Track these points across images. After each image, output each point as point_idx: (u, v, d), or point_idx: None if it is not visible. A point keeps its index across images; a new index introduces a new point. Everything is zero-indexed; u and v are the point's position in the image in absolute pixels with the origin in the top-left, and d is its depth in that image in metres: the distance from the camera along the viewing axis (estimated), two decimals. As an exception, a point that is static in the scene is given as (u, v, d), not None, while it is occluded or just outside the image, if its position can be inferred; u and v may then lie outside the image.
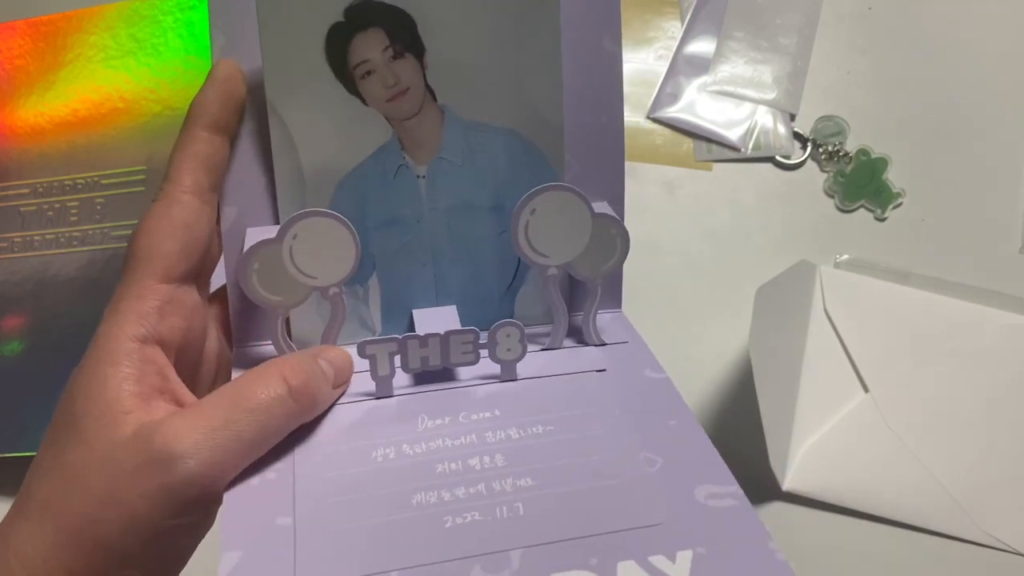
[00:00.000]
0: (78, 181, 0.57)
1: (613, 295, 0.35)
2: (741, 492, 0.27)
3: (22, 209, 0.57)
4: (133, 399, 0.26)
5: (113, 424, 0.26)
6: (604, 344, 0.34)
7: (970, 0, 0.62)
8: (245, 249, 0.30)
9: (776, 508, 0.51)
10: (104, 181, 0.57)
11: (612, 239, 0.32)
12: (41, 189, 0.57)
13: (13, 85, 0.60)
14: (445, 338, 0.30)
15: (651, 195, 0.59)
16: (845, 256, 0.56)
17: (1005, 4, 0.62)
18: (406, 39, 0.31)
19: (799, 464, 0.49)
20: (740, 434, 0.52)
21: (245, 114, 0.31)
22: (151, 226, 0.29)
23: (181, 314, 0.29)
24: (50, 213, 0.56)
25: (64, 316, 0.53)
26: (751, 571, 0.25)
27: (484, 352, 0.31)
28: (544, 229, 0.31)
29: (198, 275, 0.31)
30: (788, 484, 0.48)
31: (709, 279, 0.57)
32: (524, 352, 0.31)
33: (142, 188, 0.55)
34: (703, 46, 0.62)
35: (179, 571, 0.28)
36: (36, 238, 0.56)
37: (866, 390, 0.51)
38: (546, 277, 0.32)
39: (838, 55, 0.61)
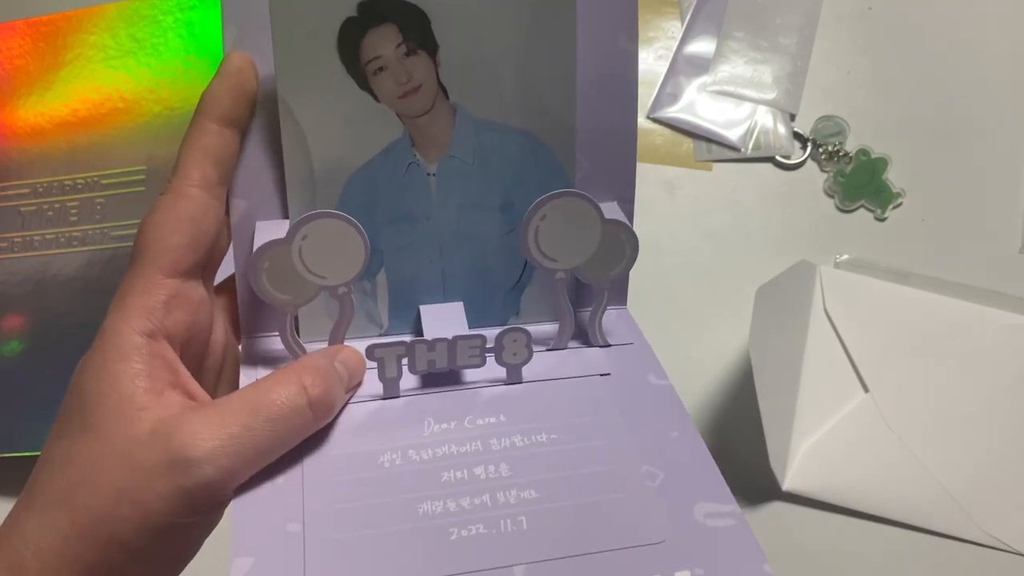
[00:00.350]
0: (78, 181, 0.57)
1: (619, 293, 0.35)
2: (739, 511, 0.27)
3: (22, 209, 0.57)
4: (147, 395, 0.27)
5: (128, 421, 0.26)
6: (609, 345, 0.34)
7: (970, 0, 0.62)
8: (255, 248, 0.30)
9: (776, 508, 0.51)
10: (104, 181, 0.57)
11: (621, 245, 0.32)
12: (41, 189, 0.57)
13: (13, 85, 0.60)
14: (452, 343, 0.30)
15: (651, 195, 0.59)
16: (845, 256, 0.56)
17: (1005, 4, 0.62)
18: (419, 36, 0.30)
19: (799, 464, 0.49)
20: (740, 434, 0.52)
21: (257, 106, 0.31)
22: (158, 220, 0.29)
23: (187, 308, 0.29)
24: (50, 213, 0.56)
25: (64, 316, 0.53)
26: None
27: (490, 355, 0.31)
28: (554, 234, 0.31)
29: (205, 268, 0.31)
30: (788, 484, 0.48)
31: (709, 279, 0.57)
32: (530, 357, 0.31)
33: (142, 188, 0.55)
34: (703, 46, 0.62)
35: (185, 564, 0.28)
36: (36, 238, 0.56)
37: (866, 390, 0.51)
38: (554, 281, 0.32)
39: (838, 55, 0.61)
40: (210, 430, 0.26)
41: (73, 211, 0.56)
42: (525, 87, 0.31)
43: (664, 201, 0.59)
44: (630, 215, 0.34)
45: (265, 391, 0.27)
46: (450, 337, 0.30)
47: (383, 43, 0.30)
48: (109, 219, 0.56)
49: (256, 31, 0.30)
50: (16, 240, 0.56)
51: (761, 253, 0.57)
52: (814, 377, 0.51)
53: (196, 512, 0.26)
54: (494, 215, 0.33)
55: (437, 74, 0.31)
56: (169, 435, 0.26)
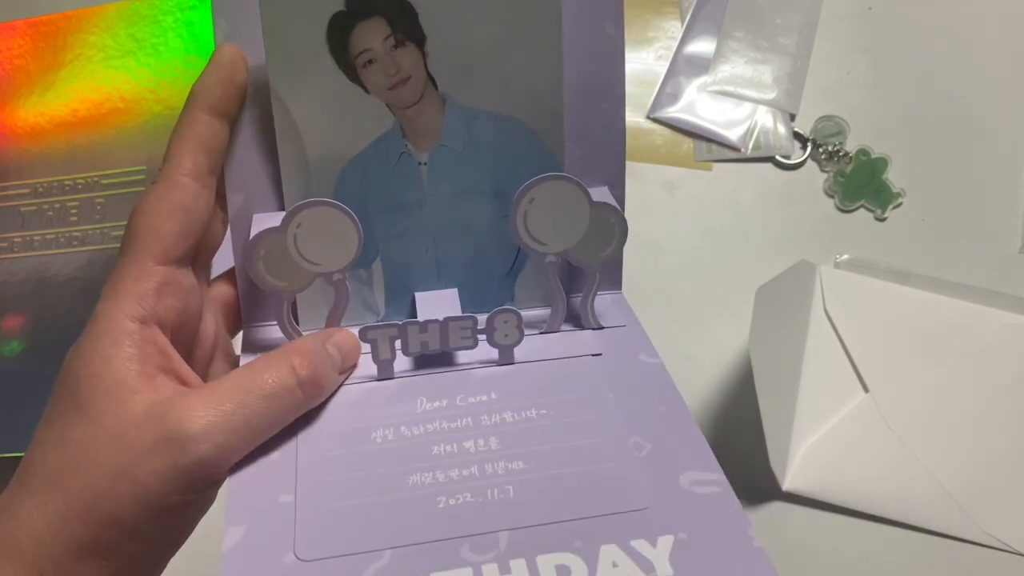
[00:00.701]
0: (78, 181, 0.57)
1: (613, 277, 0.36)
2: (724, 479, 0.27)
3: (22, 209, 0.57)
4: (139, 378, 0.27)
5: (122, 403, 0.26)
6: (602, 328, 0.34)
7: (970, 0, 0.62)
8: (251, 236, 0.30)
9: (776, 508, 0.51)
10: (104, 181, 0.57)
11: (610, 227, 0.32)
12: (41, 189, 0.57)
13: (13, 85, 0.60)
14: (444, 324, 0.31)
15: (651, 195, 0.59)
16: (845, 256, 0.56)
17: (1005, 4, 0.62)
18: (407, 28, 0.31)
19: (799, 464, 0.49)
20: (740, 434, 0.52)
21: (250, 101, 0.31)
22: (150, 207, 0.29)
23: (178, 295, 0.29)
24: (50, 213, 0.56)
25: (64, 316, 0.53)
26: (729, 558, 0.25)
27: (483, 337, 0.32)
28: (542, 218, 0.31)
29: (196, 257, 0.31)
30: (788, 484, 0.48)
31: (709, 279, 0.57)
32: (521, 337, 0.32)
33: (142, 188, 0.55)
34: (703, 46, 0.62)
35: (180, 545, 0.29)
36: (36, 238, 0.56)
37: (866, 390, 0.51)
38: (544, 264, 0.32)
39: (838, 55, 0.61)
40: (204, 408, 0.26)
41: (73, 211, 0.56)
42: (513, 75, 0.32)
43: (664, 201, 0.59)
44: (621, 200, 0.34)
45: (256, 372, 0.28)
46: (441, 319, 0.31)
47: (372, 36, 0.31)
48: (109, 219, 0.56)
49: (247, 25, 0.31)
50: (16, 240, 0.56)
51: (761, 253, 0.57)
52: (814, 377, 0.51)
53: (192, 490, 0.26)
54: (486, 202, 0.33)
55: (426, 65, 0.31)
56: (164, 415, 0.26)
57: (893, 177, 0.58)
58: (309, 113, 0.31)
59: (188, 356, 0.31)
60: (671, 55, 0.62)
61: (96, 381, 0.27)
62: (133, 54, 0.59)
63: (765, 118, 0.60)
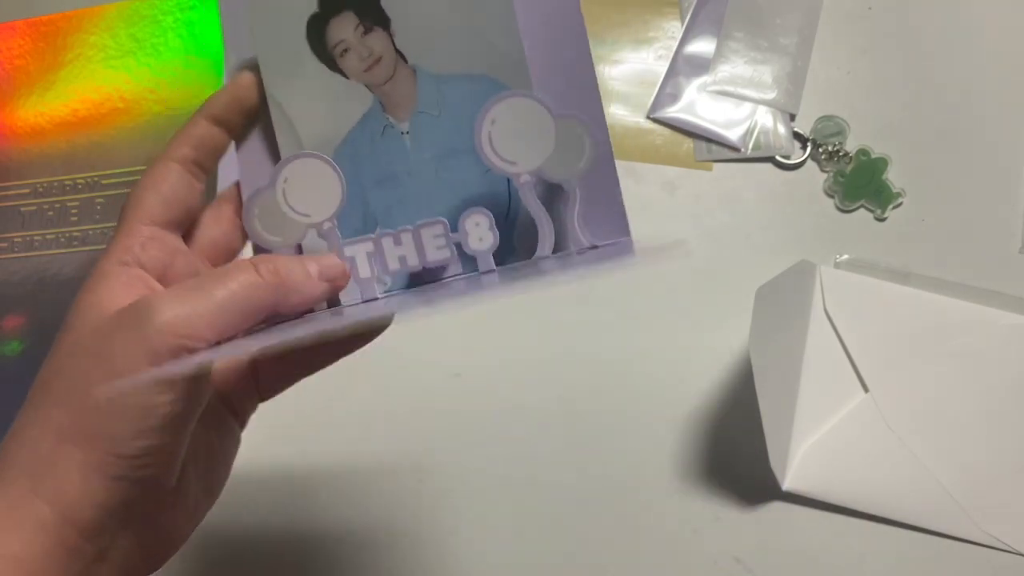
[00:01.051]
0: (78, 181, 0.57)
1: (617, 222, 0.35)
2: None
3: (22, 209, 0.57)
4: (121, 299, 0.29)
5: (101, 312, 0.29)
6: (596, 247, 0.34)
7: (970, 1, 0.62)
8: (245, 199, 0.34)
9: (776, 508, 0.51)
10: (104, 181, 0.57)
11: (579, 138, 0.33)
12: (41, 189, 0.57)
13: (13, 85, 0.60)
14: (416, 232, 0.33)
15: (651, 195, 0.59)
16: (845, 256, 0.56)
17: (1005, 4, 0.62)
18: (373, 14, 0.35)
19: (799, 464, 0.49)
20: (740, 434, 0.52)
21: (259, 116, 0.35)
22: (139, 186, 0.33)
23: (162, 249, 0.32)
24: (50, 213, 0.56)
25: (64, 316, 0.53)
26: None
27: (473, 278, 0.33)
28: (507, 137, 0.33)
29: (186, 233, 0.34)
30: (788, 484, 0.48)
31: (709, 279, 0.57)
32: (496, 241, 0.33)
33: (142, 188, 0.55)
34: (703, 46, 0.61)
35: (174, 460, 0.29)
36: (36, 238, 0.56)
37: (866, 390, 0.51)
38: (520, 185, 0.34)
39: (838, 55, 0.61)
40: (168, 291, 0.29)
41: (73, 211, 0.56)
42: (471, 36, 0.35)
43: (664, 201, 0.59)
44: (607, 143, 0.34)
45: (216, 269, 0.31)
46: (412, 227, 0.33)
47: (344, 28, 0.35)
48: (109, 219, 0.56)
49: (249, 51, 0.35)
50: (16, 240, 0.56)
51: (761, 253, 0.57)
52: (814, 377, 0.50)
53: (161, 363, 0.27)
54: (469, 158, 0.35)
55: (394, 44, 0.35)
56: (132, 305, 0.28)
57: (893, 177, 0.58)
58: (300, 106, 0.35)
59: None
60: (671, 55, 0.62)
61: (83, 307, 0.30)
62: (133, 54, 0.59)
63: (765, 118, 0.60)
